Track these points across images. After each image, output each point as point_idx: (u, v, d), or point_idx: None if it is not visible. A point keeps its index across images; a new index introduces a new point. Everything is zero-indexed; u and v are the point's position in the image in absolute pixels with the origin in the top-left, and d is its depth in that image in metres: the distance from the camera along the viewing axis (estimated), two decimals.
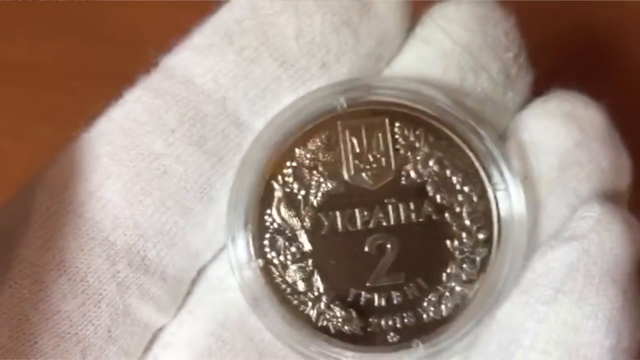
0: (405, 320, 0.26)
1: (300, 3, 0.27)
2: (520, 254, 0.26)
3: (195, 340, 0.27)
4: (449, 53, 0.28)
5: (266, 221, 0.27)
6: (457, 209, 0.27)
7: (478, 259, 0.26)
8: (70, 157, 0.27)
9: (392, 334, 0.26)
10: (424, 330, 0.26)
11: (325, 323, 0.26)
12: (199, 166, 0.27)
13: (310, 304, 0.26)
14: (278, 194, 0.27)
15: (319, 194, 0.27)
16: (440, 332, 0.26)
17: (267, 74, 0.27)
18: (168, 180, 0.26)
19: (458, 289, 0.26)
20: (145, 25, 0.37)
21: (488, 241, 0.26)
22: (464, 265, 0.26)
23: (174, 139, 0.26)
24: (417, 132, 0.27)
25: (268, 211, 0.27)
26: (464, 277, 0.26)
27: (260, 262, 0.26)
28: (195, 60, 0.27)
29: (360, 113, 0.27)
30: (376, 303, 0.26)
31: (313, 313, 0.26)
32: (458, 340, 0.26)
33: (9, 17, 0.38)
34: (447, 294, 0.26)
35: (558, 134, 0.27)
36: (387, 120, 0.27)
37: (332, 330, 0.26)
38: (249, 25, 0.27)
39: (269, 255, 0.26)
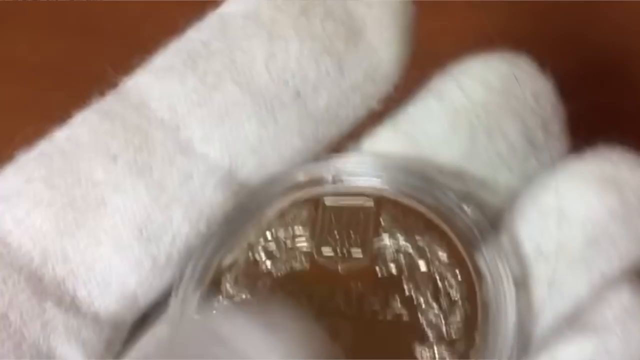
0: None
1: (277, 26, 0.24)
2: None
3: None
4: (461, 110, 0.24)
5: (222, 284, 0.24)
6: (435, 312, 0.22)
7: None
8: (0, 181, 0.24)
9: None
10: None
11: None
12: (139, 198, 0.24)
13: None
14: (242, 262, 0.24)
15: (283, 267, 0.24)
16: None
17: (228, 99, 0.24)
18: (105, 212, 0.24)
19: None
20: (147, 24, 0.34)
21: (465, 355, 0.21)
22: None
23: (115, 166, 0.24)
24: (406, 220, 0.23)
25: (228, 276, 0.24)
26: None
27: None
28: (153, 84, 0.25)
29: (347, 193, 0.24)
30: None
31: None
32: None
33: (10, 16, 0.37)
34: None
35: (590, 202, 0.22)
36: (372, 204, 0.24)
37: None
38: (216, 48, 0.24)
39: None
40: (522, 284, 0.22)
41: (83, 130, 0.24)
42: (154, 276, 0.24)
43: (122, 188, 0.24)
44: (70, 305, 0.23)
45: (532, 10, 0.35)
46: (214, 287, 0.24)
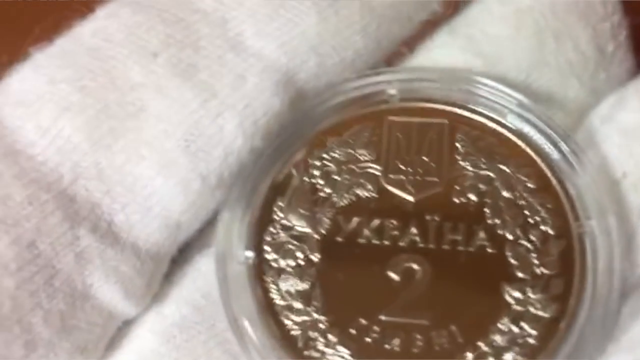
0: None
1: None
2: (610, 319, 0.19)
3: (167, 307, 0.21)
4: (525, 10, 0.22)
5: (274, 211, 0.21)
6: (524, 245, 0.20)
7: (545, 317, 0.19)
8: (15, 81, 0.20)
9: None
10: None
11: (312, 353, 0.20)
12: (186, 103, 0.20)
13: (301, 324, 0.20)
14: (296, 183, 0.21)
15: (346, 195, 0.21)
16: None
17: None
18: (146, 120, 0.20)
19: (508, 355, 0.19)
20: None
21: (563, 297, 0.19)
22: (523, 324, 0.19)
23: (156, 65, 0.20)
24: (485, 142, 0.21)
25: (279, 201, 0.21)
26: (519, 339, 0.19)
27: (252, 255, 0.21)
28: None
29: (416, 110, 0.22)
30: (387, 344, 0.19)
31: (300, 337, 0.20)
32: None
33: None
34: (491, 358, 0.19)
35: None
36: (447, 122, 0.21)
37: None
38: None
39: (265, 252, 0.21)
40: (617, 215, 0.20)
41: (112, 24, 0.20)
42: (202, 201, 0.21)
43: (165, 91, 0.20)
44: (107, 232, 0.20)
45: None
46: (265, 213, 0.21)
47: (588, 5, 0.22)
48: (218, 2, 0.21)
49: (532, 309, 0.19)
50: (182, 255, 0.22)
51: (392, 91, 0.22)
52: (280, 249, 0.21)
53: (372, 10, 0.21)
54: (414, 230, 0.20)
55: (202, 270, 0.21)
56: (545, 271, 0.19)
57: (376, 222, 0.20)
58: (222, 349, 0.20)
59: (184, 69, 0.20)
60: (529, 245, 0.20)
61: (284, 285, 0.20)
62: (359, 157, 0.21)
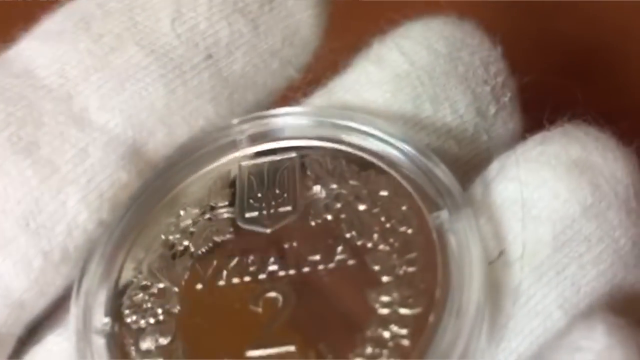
0: None
1: None
2: (478, 310, 0.18)
3: None
4: (403, 76, 0.22)
5: (131, 274, 0.20)
6: (384, 250, 0.19)
7: (412, 315, 0.18)
8: None
9: None
10: None
11: None
12: (25, 181, 0.20)
13: None
14: (153, 244, 0.20)
15: (202, 242, 0.20)
16: None
17: (131, 63, 0.21)
18: None
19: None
20: None
21: (428, 291, 0.18)
22: (392, 326, 0.18)
23: None
24: (335, 164, 0.21)
25: (137, 262, 0.20)
26: (390, 342, 0.17)
27: (110, 321, 0.19)
28: (40, 49, 0.21)
29: (266, 152, 0.22)
30: None
31: None
32: None
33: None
34: None
35: (558, 194, 0.19)
36: (295, 155, 0.21)
37: None
38: (113, 9, 0.22)
39: (124, 316, 0.19)
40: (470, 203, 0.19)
41: None
42: (46, 277, 0.20)
43: (4, 170, 0.20)
44: None
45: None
46: (121, 277, 0.20)
47: (468, 68, 0.22)
48: (63, 78, 0.21)
49: (399, 310, 0.18)
50: (33, 336, 0.20)
51: (241, 139, 0.22)
52: (139, 309, 0.19)
53: (223, 81, 0.22)
54: (272, 261, 0.19)
55: (53, 351, 0.20)
56: (408, 269, 0.18)
57: (234, 261, 0.19)
58: None
59: (24, 146, 0.20)
60: (388, 248, 0.19)
61: (143, 345, 0.19)
62: (213, 205, 0.21)
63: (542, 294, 0.18)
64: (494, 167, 0.20)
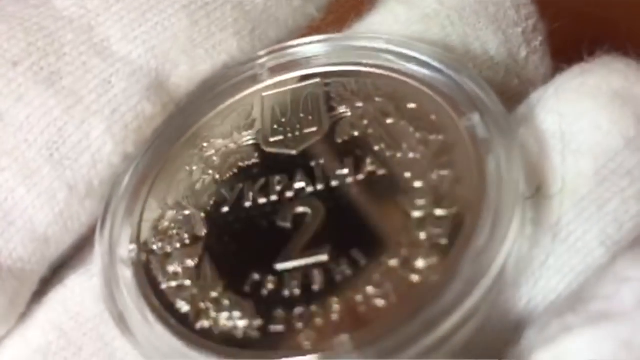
0: (332, 313, 0.16)
1: None
2: (517, 213, 0.17)
3: (32, 332, 0.19)
4: (432, 16, 0.21)
5: (157, 204, 0.20)
6: (414, 158, 0.18)
7: (449, 215, 0.17)
8: None
9: (308, 332, 0.16)
10: (357, 324, 0.16)
11: (206, 324, 0.17)
12: (49, 111, 0.19)
13: (188, 299, 0.17)
14: (177, 175, 0.20)
15: (226, 169, 0.20)
16: (384, 328, 0.16)
17: None
18: (4, 129, 0.19)
19: (417, 263, 0.16)
20: None
21: (463, 194, 0.17)
22: (428, 227, 0.17)
23: (16, 74, 0.20)
24: (358, 85, 0.20)
25: (162, 194, 0.20)
26: (426, 243, 0.17)
27: (135, 248, 0.19)
28: None
29: (287, 81, 0.21)
30: (286, 292, 0.17)
31: (190, 311, 0.17)
32: (412, 342, 0.15)
33: None
34: (400, 271, 0.16)
35: (600, 126, 0.18)
36: (319, 80, 0.21)
37: (216, 334, 0.17)
38: None
39: (150, 243, 0.19)
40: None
41: None
42: (71, 211, 0.19)
43: (26, 100, 0.19)
44: None
45: None
46: (146, 206, 0.19)
47: (499, 9, 0.21)
48: (83, 9, 0.21)
49: (434, 211, 0.17)
50: (56, 276, 0.20)
51: (263, 71, 0.21)
52: (165, 236, 0.19)
53: (245, 14, 0.21)
54: (299, 178, 0.19)
55: (75, 291, 0.20)
56: (441, 172, 0.17)
57: (261, 182, 0.19)
58: None
59: (46, 76, 0.20)
60: (419, 156, 0.18)
61: (170, 268, 0.18)
62: (237, 135, 0.20)
63: (583, 230, 0.17)
64: (532, 99, 0.19)
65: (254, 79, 0.21)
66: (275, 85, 0.21)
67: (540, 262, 0.17)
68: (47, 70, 0.20)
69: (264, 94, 0.21)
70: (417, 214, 0.17)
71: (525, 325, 0.17)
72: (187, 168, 0.20)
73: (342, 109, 0.20)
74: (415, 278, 0.16)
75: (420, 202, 0.17)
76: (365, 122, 0.19)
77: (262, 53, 0.21)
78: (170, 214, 0.19)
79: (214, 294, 0.17)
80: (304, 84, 0.21)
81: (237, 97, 0.21)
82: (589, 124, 0.18)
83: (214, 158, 0.20)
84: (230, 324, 0.17)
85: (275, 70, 0.21)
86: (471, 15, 0.21)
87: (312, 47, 0.21)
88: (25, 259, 0.19)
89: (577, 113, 0.18)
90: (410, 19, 0.21)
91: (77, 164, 0.19)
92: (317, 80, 0.21)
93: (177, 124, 0.21)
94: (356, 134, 0.19)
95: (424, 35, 0.21)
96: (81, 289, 0.20)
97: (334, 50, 0.21)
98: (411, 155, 0.18)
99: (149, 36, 0.20)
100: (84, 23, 0.21)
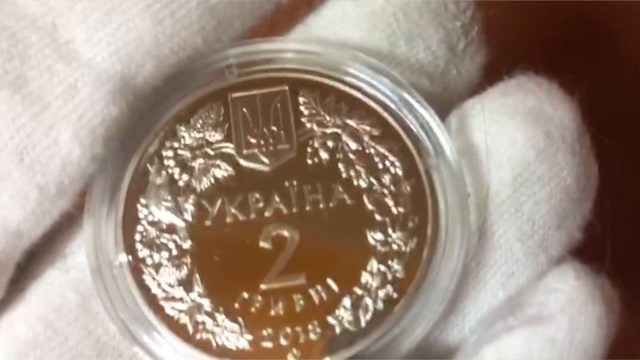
0: (311, 333, 0.20)
1: None
2: (465, 245, 0.21)
3: (19, 326, 0.21)
4: (378, 12, 0.22)
5: (139, 210, 0.21)
6: (379, 190, 0.21)
7: (407, 251, 0.21)
8: None
9: (293, 350, 0.20)
10: (335, 345, 0.20)
11: (204, 336, 0.20)
12: (17, 117, 0.20)
13: (186, 311, 0.20)
14: (154, 179, 0.21)
15: (204, 179, 0.21)
16: (357, 348, 0.20)
17: None
18: None
19: (381, 292, 0.20)
20: None
21: (420, 229, 0.21)
22: (389, 262, 0.21)
23: None
24: (326, 101, 0.22)
25: (142, 199, 0.21)
26: (389, 276, 0.20)
27: (126, 258, 0.21)
28: None
29: (256, 82, 0.22)
30: (272, 311, 0.20)
31: (189, 323, 0.20)
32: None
33: None
34: (367, 298, 0.20)
35: (516, 140, 0.21)
36: (287, 88, 0.22)
37: (214, 345, 0.20)
38: None
39: (139, 252, 0.21)
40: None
41: None
42: (42, 209, 0.20)
43: None
44: None
45: None
46: (129, 213, 0.21)
47: (440, 4, 0.23)
48: (46, 7, 0.20)
49: (395, 247, 0.21)
50: (31, 262, 0.21)
51: (230, 67, 0.22)
52: (153, 245, 0.21)
53: (211, 10, 0.21)
54: (276, 199, 0.21)
55: (54, 284, 0.21)
56: (401, 209, 0.21)
57: (239, 198, 0.21)
58: None
59: (12, 81, 0.20)
60: (382, 189, 0.21)
61: (163, 279, 0.20)
62: (210, 139, 0.22)
63: (503, 229, 0.21)
64: (462, 111, 0.22)
65: (221, 76, 0.22)
66: (243, 86, 0.22)
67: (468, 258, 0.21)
68: (12, 74, 0.20)
69: (233, 94, 0.22)
70: (381, 248, 0.21)
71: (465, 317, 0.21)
72: (164, 172, 0.21)
73: (310, 125, 0.22)
74: (379, 305, 0.20)
75: (383, 237, 0.21)
76: (334, 144, 0.21)
77: (229, 48, 0.22)
78: (154, 221, 0.21)
79: (207, 308, 0.20)
80: (272, 89, 0.22)
81: (205, 91, 0.22)
82: (507, 140, 0.22)
83: (190, 164, 0.21)
84: (224, 337, 0.20)
85: (242, 68, 0.22)
86: (415, 12, 0.23)
87: (278, 46, 0.22)
88: (0, 250, 0.20)
89: (498, 130, 0.22)
90: (358, 15, 0.23)
91: (47, 167, 0.20)
92: (285, 87, 0.22)
93: (147, 119, 0.21)
94: (325, 156, 0.21)
95: (371, 32, 0.22)
96: (60, 281, 0.21)
97: (301, 55, 0.22)
98: (375, 187, 0.21)
99: (113, 38, 0.20)
100: (47, 22, 0.20)
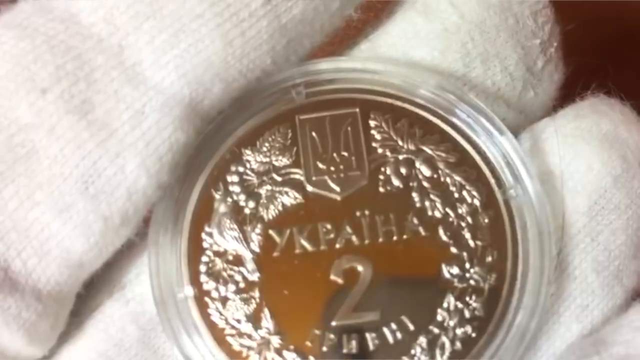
0: None
1: None
2: (546, 281, 0.20)
3: None
4: (452, 31, 0.21)
5: (203, 240, 0.20)
6: (455, 222, 0.20)
7: (486, 287, 0.20)
8: None
9: None
10: None
11: None
12: (82, 144, 0.19)
13: (255, 348, 0.19)
14: (219, 206, 0.20)
15: (272, 207, 0.20)
16: None
17: (185, 9, 0.19)
18: (38, 162, 0.19)
19: (459, 331, 0.19)
20: None
21: (499, 264, 0.20)
22: (467, 298, 0.20)
23: (46, 102, 0.18)
24: (399, 125, 0.21)
25: (206, 228, 0.20)
26: (467, 314, 0.19)
27: (192, 291, 0.20)
28: None
29: (324, 103, 0.21)
30: (345, 349, 0.19)
31: None
32: None
33: None
34: (444, 338, 0.19)
35: (592, 166, 0.20)
36: (358, 111, 0.21)
37: None
38: None
39: (204, 284, 0.20)
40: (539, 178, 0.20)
41: None
42: (106, 240, 0.19)
43: (59, 131, 0.18)
44: (4, 280, 0.19)
45: None
46: (194, 244, 0.20)
47: (518, 20, 0.21)
48: (112, 25, 0.19)
49: (472, 282, 0.20)
50: (89, 291, 0.21)
51: (299, 89, 0.21)
52: (219, 277, 0.20)
53: (281, 28, 0.20)
54: (347, 229, 0.20)
55: (113, 318, 0.20)
56: (479, 243, 0.20)
57: (308, 228, 0.20)
58: None
59: (78, 105, 0.19)
60: (459, 220, 0.20)
61: (229, 314, 0.20)
62: (277, 164, 0.20)
63: (579, 260, 0.20)
64: (534, 133, 0.21)
65: (289, 97, 0.21)
66: (311, 107, 0.21)
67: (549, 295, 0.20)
68: (78, 98, 0.19)
69: (301, 116, 0.21)
70: (458, 284, 0.20)
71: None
72: (229, 199, 0.20)
73: (382, 151, 0.20)
74: (457, 346, 0.19)
75: (460, 272, 0.20)
76: (407, 171, 0.20)
77: (295, 67, 0.21)
78: (220, 251, 0.20)
79: (277, 345, 0.19)
80: (342, 111, 0.21)
81: (271, 114, 0.21)
82: (583, 165, 0.21)
83: (257, 190, 0.20)
84: None
85: (310, 87, 0.21)
86: (491, 30, 0.21)
87: (347, 65, 0.21)
88: (62, 282, 0.19)
89: (572, 155, 0.21)
90: (429, 33, 0.21)
91: (112, 196, 0.19)
92: (356, 109, 0.21)
93: (212, 144, 0.20)
94: (398, 184, 0.20)
95: (444, 52, 0.21)
96: (119, 314, 0.20)
97: (370, 75, 0.21)
98: (451, 219, 0.20)
99: (182, 60, 0.19)
100: (114, 43, 0.19)
